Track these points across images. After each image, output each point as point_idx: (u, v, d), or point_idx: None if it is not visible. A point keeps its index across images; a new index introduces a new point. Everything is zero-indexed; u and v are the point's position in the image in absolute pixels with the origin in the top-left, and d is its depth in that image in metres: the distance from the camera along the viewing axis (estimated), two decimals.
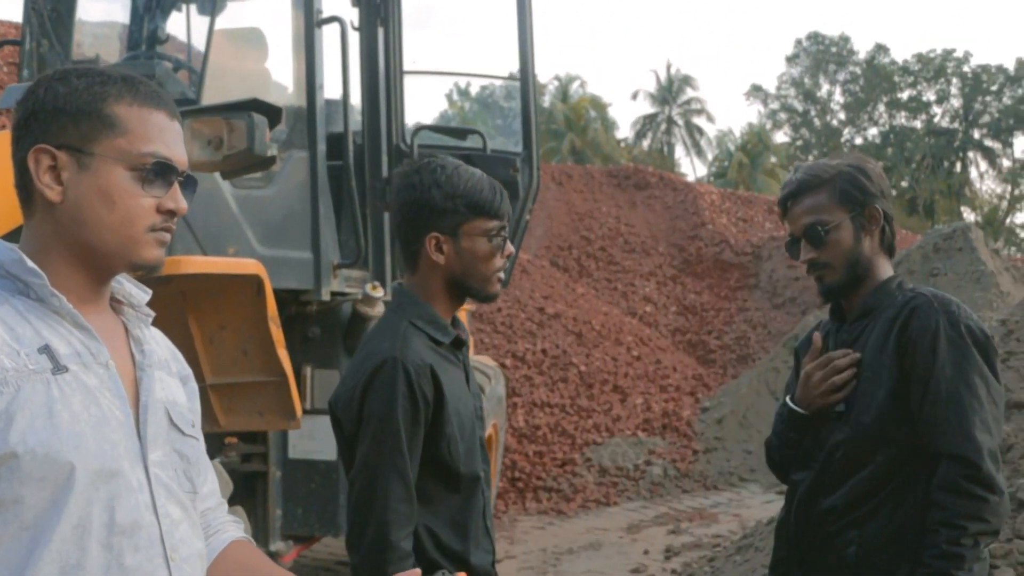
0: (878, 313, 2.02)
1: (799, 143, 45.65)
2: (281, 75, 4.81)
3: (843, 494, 1.99)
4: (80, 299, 1.30)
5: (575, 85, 43.98)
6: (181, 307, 3.59)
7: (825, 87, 46.19)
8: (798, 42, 46.15)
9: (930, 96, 43.98)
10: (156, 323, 1.46)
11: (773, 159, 40.25)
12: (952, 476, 1.87)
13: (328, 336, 4.58)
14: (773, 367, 10.24)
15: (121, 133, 1.28)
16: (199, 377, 3.64)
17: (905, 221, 33.78)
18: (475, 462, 1.94)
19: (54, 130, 1.27)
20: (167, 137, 1.32)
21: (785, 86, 46.51)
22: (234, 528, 1.54)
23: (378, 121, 4.85)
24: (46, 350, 1.23)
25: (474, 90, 45.47)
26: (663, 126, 45.00)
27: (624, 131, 47.58)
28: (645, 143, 44.83)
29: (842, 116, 46.12)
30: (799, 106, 46.42)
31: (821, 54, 45.42)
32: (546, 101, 41.18)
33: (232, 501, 3.84)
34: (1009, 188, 43.36)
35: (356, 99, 4.89)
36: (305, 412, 4.25)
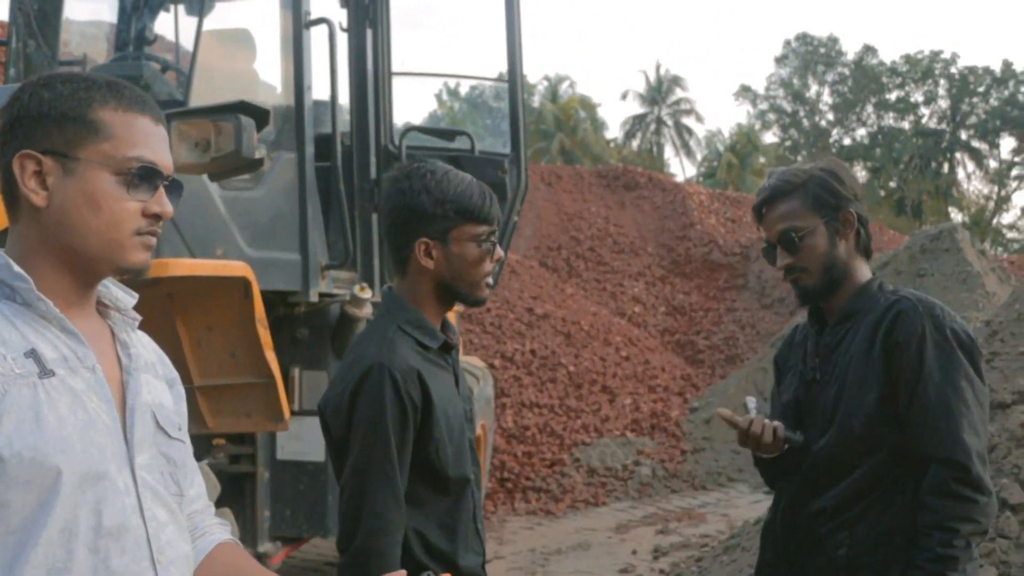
0: (861, 316, 2.03)
1: (788, 144, 45.79)
2: (269, 76, 4.81)
3: (833, 496, 2.00)
4: (66, 303, 1.30)
5: (564, 85, 44.05)
6: (169, 309, 3.58)
7: (814, 88, 46.37)
8: (787, 43, 46.34)
9: (918, 97, 44.20)
10: (144, 325, 1.46)
11: (762, 159, 40.38)
12: (943, 479, 1.88)
13: (316, 337, 4.58)
14: (761, 367, 10.27)
15: (106, 138, 1.29)
16: (187, 379, 3.65)
17: (893, 222, 33.94)
18: (464, 465, 1.95)
19: (39, 136, 1.28)
20: (152, 141, 1.33)
21: (774, 87, 46.67)
22: (221, 530, 1.55)
23: (366, 122, 4.85)
24: (32, 354, 1.24)
25: (463, 90, 45.49)
26: (652, 126, 45.09)
27: (613, 131, 47.71)
28: (634, 143, 44.91)
29: (831, 117, 46.29)
30: (788, 107, 46.58)
31: (810, 55, 45.58)
32: (535, 101, 41.21)
33: (220, 502, 3.84)
34: (996, 189, 43.60)
35: (345, 100, 4.89)
36: (293, 413, 4.25)
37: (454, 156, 5.01)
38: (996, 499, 3.60)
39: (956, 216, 41.73)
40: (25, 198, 1.28)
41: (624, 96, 46.74)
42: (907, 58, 43.98)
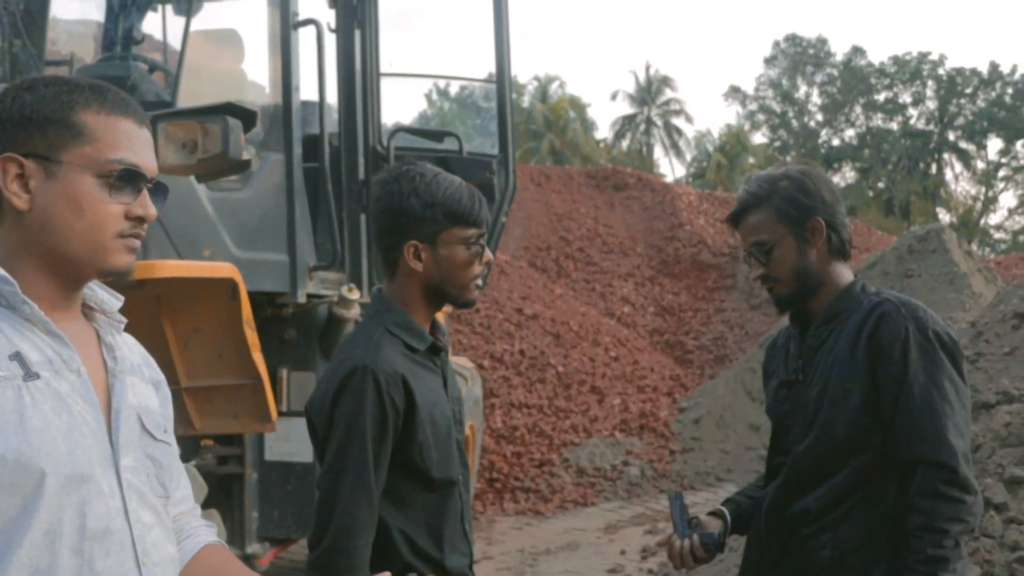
0: (843, 318, 2.04)
1: (777, 144, 45.93)
2: (257, 77, 4.81)
3: (816, 498, 2.01)
4: (51, 306, 1.31)
5: (554, 86, 44.10)
6: (156, 311, 3.58)
7: (803, 88, 46.53)
8: (776, 44, 46.50)
9: (906, 98, 44.41)
10: (130, 327, 1.46)
11: (751, 160, 40.50)
12: (930, 481, 1.90)
13: (304, 338, 4.57)
14: (750, 367, 10.30)
15: (88, 141, 1.29)
16: (174, 380, 3.65)
17: (881, 222, 34.08)
18: (450, 467, 1.96)
19: (21, 139, 1.28)
20: (135, 144, 1.33)
21: (763, 87, 46.82)
22: (207, 532, 1.55)
23: (354, 123, 4.85)
24: (17, 357, 1.24)
25: (453, 90, 45.47)
26: (642, 127, 45.17)
27: (603, 132, 47.69)
28: (624, 144, 44.99)
29: (819, 117, 46.45)
30: (777, 107, 46.72)
31: (799, 56, 45.74)
32: (525, 101, 41.24)
33: (208, 503, 3.84)
34: (983, 190, 43.84)
35: (333, 101, 4.89)
36: (281, 414, 4.24)
37: (442, 157, 5.01)
38: (981, 498, 3.64)
39: (944, 217, 41.95)
40: (8, 201, 1.28)
41: (614, 96, 46.73)
42: (895, 59, 44.18)
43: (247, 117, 3.09)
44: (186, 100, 3.88)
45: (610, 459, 9.45)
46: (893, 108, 44.33)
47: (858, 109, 45.30)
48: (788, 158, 39.41)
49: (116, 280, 1.37)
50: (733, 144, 41.55)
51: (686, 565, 2.14)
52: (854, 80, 44.52)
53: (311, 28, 4.42)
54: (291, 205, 4.29)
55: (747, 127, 45.87)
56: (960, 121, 43.35)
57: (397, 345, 1.91)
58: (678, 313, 15.16)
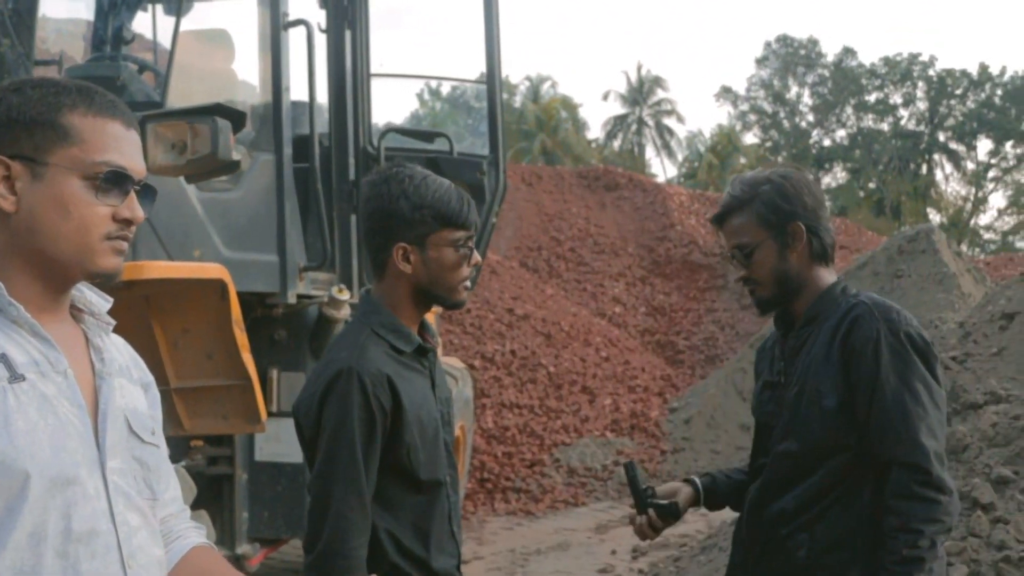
0: (822, 320, 2.06)
1: (768, 144, 46.06)
2: (247, 77, 4.80)
3: (793, 498, 2.04)
4: (38, 308, 1.30)
5: (546, 85, 44.16)
6: (145, 311, 3.57)
7: (794, 89, 46.67)
8: (767, 44, 46.64)
9: (897, 99, 44.59)
10: (119, 328, 1.46)
11: (743, 160, 40.59)
12: (905, 482, 1.91)
13: (294, 339, 4.57)
14: (741, 368, 10.33)
15: (75, 143, 1.29)
16: (163, 381, 3.64)
17: (872, 223, 34.19)
18: (438, 468, 1.96)
19: (7, 140, 1.28)
20: (122, 146, 1.33)
21: (754, 88, 46.94)
22: (196, 534, 1.55)
23: (345, 124, 4.85)
24: (3, 359, 1.24)
25: (445, 90, 45.44)
26: (634, 127, 45.24)
27: (595, 132, 47.83)
28: (616, 144, 45.05)
29: (811, 118, 46.60)
30: (768, 108, 46.85)
31: (790, 56, 45.87)
32: (517, 101, 41.26)
33: (198, 504, 3.83)
34: (973, 190, 44.03)
35: (324, 101, 4.89)
36: (271, 415, 4.24)
37: (433, 157, 5.01)
38: (965, 498, 3.66)
39: (934, 217, 42.12)
40: None
41: (605, 96, 46.89)
42: (886, 60, 44.35)
43: (236, 118, 3.09)
44: (176, 100, 3.87)
45: (601, 459, 9.46)
46: (884, 109, 44.50)
47: (849, 110, 45.46)
48: (779, 158, 39.59)
49: (104, 282, 1.37)
50: (724, 144, 41.64)
51: (648, 537, 2.25)
52: (845, 81, 44.68)
53: (301, 28, 4.42)
54: (281, 205, 4.29)
55: (738, 127, 46.00)
56: (950, 122, 43.55)
57: (383, 347, 1.91)
58: (669, 313, 15.18)
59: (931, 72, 43.60)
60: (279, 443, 4.44)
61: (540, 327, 11.74)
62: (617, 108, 46.00)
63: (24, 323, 1.27)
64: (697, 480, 2.28)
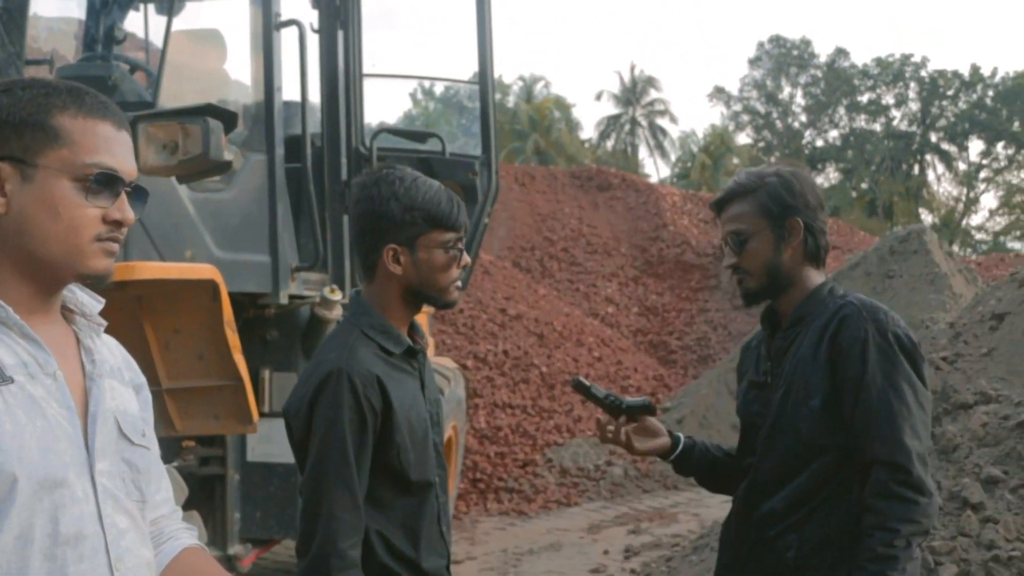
0: (810, 320, 2.07)
1: (761, 145, 46.15)
2: (240, 77, 4.79)
3: (781, 498, 2.04)
4: (28, 310, 1.30)
5: (539, 85, 44.21)
6: (136, 312, 3.57)
7: (787, 90, 46.77)
8: (760, 45, 46.72)
9: (889, 100, 44.72)
10: (111, 328, 1.46)
11: (735, 160, 40.65)
12: (884, 481, 1.93)
13: (286, 339, 4.57)
14: (733, 368, 10.27)
15: (65, 144, 1.29)
16: (155, 382, 3.63)
17: (864, 223, 34.30)
18: (427, 469, 1.97)
19: None
20: (113, 147, 1.33)
21: (747, 88, 47.02)
22: (187, 535, 1.55)
23: (337, 124, 4.85)
24: None
25: (438, 90, 45.43)
26: (627, 127, 45.28)
27: (588, 132, 47.81)
28: (609, 144, 45.08)
29: (803, 118, 46.71)
30: (761, 108, 46.95)
31: (783, 57, 45.97)
32: (510, 101, 41.28)
33: (190, 505, 3.83)
34: (964, 191, 44.17)
35: (316, 101, 4.88)
36: (263, 415, 4.24)
37: (425, 158, 5.02)
38: (955, 498, 3.67)
39: (926, 217, 42.25)
40: None
41: (599, 96, 46.94)
42: (878, 61, 44.48)
43: (228, 118, 3.08)
44: (168, 100, 3.87)
45: (593, 459, 9.46)
46: (876, 109, 44.63)
47: (841, 110, 45.58)
48: (772, 159, 39.60)
49: (95, 284, 1.37)
50: (717, 145, 41.70)
51: (627, 446, 2.19)
52: (838, 81, 44.79)
53: (294, 28, 4.42)
54: (273, 206, 4.29)
55: (731, 128, 46.08)
56: (942, 123, 43.70)
57: (373, 348, 1.92)
58: (662, 313, 15.20)
59: (923, 73, 43.75)
60: (271, 443, 4.44)
61: (533, 327, 11.74)
62: (610, 108, 46.06)
63: (13, 325, 1.27)
64: (681, 436, 2.26)
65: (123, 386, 1.43)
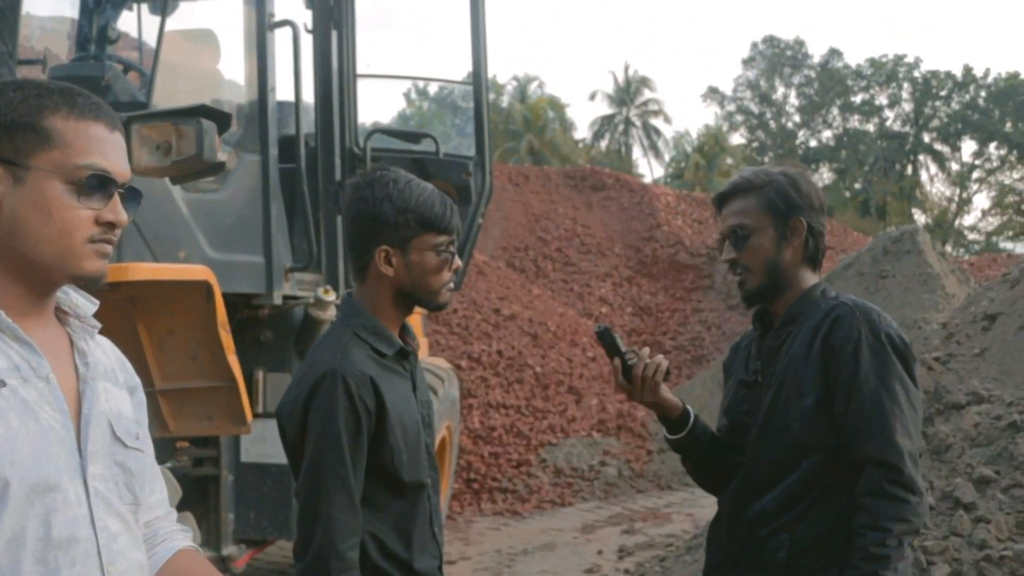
0: (802, 320, 2.08)
1: (755, 145, 46.22)
2: (233, 77, 4.78)
3: (772, 498, 2.05)
4: (20, 312, 1.30)
5: (533, 85, 44.18)
6: (130, 313, 3.56)
7: (780, 90, 46.86)
8: (754, 45, 46.81)
9: (882, 100, 44.84)
10: (105, 329, 1.46)
11: (729, 161, 40.71)
12: (876, 480, 1.94)
13: (280, 340, 4.56)
14: None
15: (57, 146, 1.29)
16: (148, 383, 3.62)
17: (858, 223, 34.36)
18: (420, 470, 1.97)
19: None
20: (106, 149, 1.32)
21: (741, 88, 47.10)
22: (182, 537, 1.54)
23: (331, 124, 4.84)
24: None
25: (432, 90, 45.40)
26: (621, 127, 45.30)
27: (582, 132, 47.85)
28: (603, 144, 45.10)
29: (797, 119, 46.80)
30: (755, 108, 47.03)
31: (776, 57, 46.06)
32: (504, 101, 41.26)
33: (184, 506, 3.82)
34: (957, 191, 44.31)
35: (310, 102, 4.88)
36: (257, 416, 4.23)
37: (419, 158, 5.02)
38: (947, 498, 3.68)
39: (919, 218, 42.36)
40: None
41: (593, 97, 46.91)
42: (872, 61, 44.59)
43: (222, 119, 3.08)
44: (161, 100, 3.86)
45: (587, 459, 9.47)
46: (869, 110, 44.75)
47: (835, 111, 45.68)
48: (766, 159, 39.73)
49: (88, 286, 1.36)
50: (711, 145, 41.74)
51: (643, 394, 2.14)
52: (831, 82, 44.89)
53: (287, 28, 4.42)
54: (267, 206, 4.28)
55: (725, 128, 46.14)
56: (935, 123, 43.83)
57: (365, 349, 1.92)
58: (656, 313, 15.22)
59: (916, 73, 43.87)
60: (265, 444, 4.43)
61: (527, 327, 11.74)
62: (604, 108, 46.08)
63: (5, 328, 1.27)
64: (692, 412, 2.21)
65: (117, 388, 1.43)
